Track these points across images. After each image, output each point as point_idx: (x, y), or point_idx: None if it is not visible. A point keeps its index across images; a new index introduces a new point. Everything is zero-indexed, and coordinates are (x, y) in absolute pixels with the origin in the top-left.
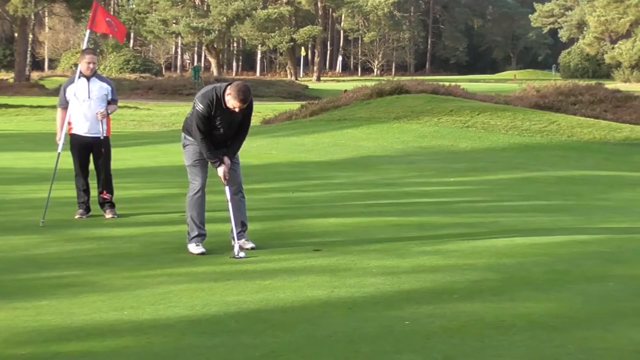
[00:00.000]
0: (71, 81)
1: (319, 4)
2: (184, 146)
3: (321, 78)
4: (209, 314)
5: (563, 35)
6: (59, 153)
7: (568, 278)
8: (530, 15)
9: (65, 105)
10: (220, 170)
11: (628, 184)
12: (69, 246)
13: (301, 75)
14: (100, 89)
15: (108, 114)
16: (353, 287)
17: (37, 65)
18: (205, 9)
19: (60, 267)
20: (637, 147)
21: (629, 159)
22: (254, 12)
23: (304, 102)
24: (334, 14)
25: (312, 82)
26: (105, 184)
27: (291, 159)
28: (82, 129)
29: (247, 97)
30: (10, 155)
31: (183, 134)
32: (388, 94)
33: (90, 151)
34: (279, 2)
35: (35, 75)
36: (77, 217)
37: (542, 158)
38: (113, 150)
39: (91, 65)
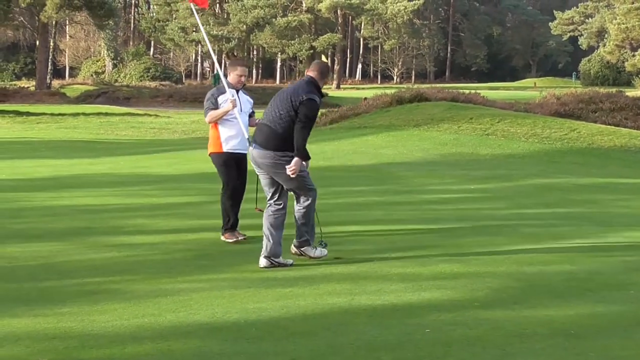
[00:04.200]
0: (220, 92)
1: (339, 12)
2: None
3: (341, 86)
4: (229, 321)
5: (583, 42)
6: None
7: (589, 286)
8: (550, 23)
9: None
10: (304, 164)
11: None
12: (90, 253)
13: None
14: (247, 103)
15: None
16: (373, 295)
17: (58, 73)
18: (225, 17)
19: (81, 274)
20: None
21: None
22: (273, 20)
23: (323, 110)
24: (353, 21)
25: (331, 90)
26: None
27: (311, 166)
28: (235, 145)
29: None
30: (30, 163)
31: (278, 154)
32: (408, 101)
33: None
34: (299, 10)
35: (56, 83)
36: (231, 240)
37: (563, 166)
38: (133, 158)
39: (242, 78)
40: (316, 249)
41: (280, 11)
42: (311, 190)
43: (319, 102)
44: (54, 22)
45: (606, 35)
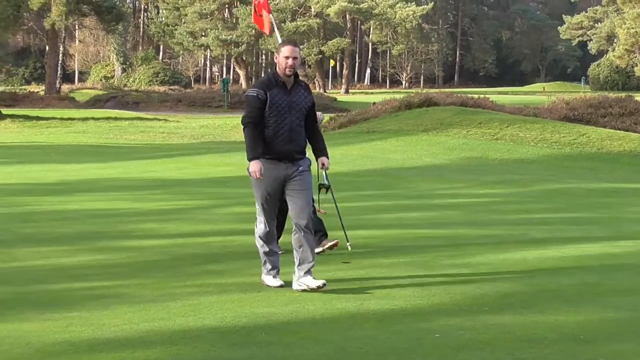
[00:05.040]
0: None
1: (348, 17)
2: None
3: (349, 90)
4: (238, 326)
5: (592, 47)
6: None
7: (598, 291)
8: (559, 28)
9: None
10: (255, 166)
11: None
12: (100, 257)
13: (329, 88)
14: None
15: None
16: (382, 300)
17: (68, 77)
18: (233, 21)
19: (90, 278)
20: None
21: None
22: (282, 24)
23: (332, 114)
24: (362, 26)
25: (340, 94)
26: None
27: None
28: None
29: (296, 43)
30: (40, 167)
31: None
32: (417, 106)
33: None
34: (308, 14)
35: (65, 87)
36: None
37: (572, 170)
38: (142, 162)
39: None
40: (274, 278)
41: (289, 16)
42: (260, 218)
43: (253, 94)
44: (63, 27)
45: (615, 40)
